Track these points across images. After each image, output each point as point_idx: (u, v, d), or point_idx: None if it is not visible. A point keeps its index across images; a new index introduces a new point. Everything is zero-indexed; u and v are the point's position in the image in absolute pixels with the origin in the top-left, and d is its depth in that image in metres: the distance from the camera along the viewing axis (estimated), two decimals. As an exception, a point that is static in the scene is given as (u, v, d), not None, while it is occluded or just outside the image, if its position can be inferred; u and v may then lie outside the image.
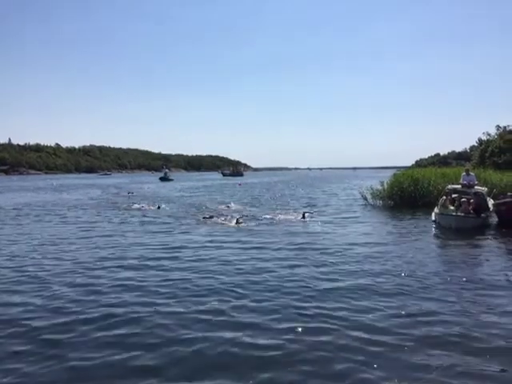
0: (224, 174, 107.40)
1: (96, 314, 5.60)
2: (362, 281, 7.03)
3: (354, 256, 8.96)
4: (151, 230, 13.37)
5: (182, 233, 12.64)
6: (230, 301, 6.09)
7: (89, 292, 6.61)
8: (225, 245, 10.47)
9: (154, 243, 10.87)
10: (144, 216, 17.11)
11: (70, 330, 5.12)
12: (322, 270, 7.81)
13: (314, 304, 5.89)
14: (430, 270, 7.74)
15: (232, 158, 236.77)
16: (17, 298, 6.41)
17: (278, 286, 6.76)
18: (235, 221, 14.14)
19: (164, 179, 73.38)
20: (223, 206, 20.96)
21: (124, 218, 16.70)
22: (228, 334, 4.92)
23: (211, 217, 15.59)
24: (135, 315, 5.56)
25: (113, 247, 10.35)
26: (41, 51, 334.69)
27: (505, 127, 41.73)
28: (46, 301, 6.26)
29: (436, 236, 12.43)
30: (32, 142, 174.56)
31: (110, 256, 9.30)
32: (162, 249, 10.08)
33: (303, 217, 15.20)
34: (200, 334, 4.93)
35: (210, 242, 10.92)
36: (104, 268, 8.19)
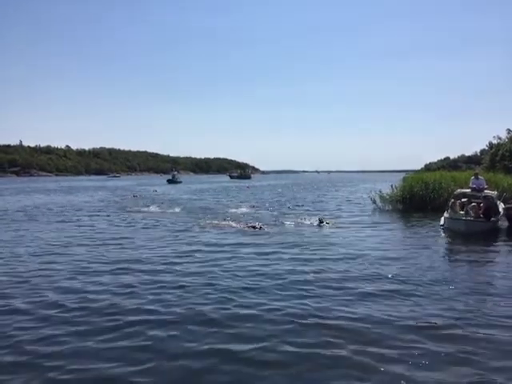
0: (232, 177, 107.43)
1: (86, 327, 5.41)
2: (377, 305, 6.23)
3: (365, 269, 8.32)
4: (158, 234, 13.07)
5: (189, 237, 12.25)
6: (237, 325, 5.49)
7: (80, 304, 6.29)
8: (233, 252, 10.00)
9: (162, 248, 10.63)
10: (150, 219, 16.95)
11: (55, 342, 4.97)
12: (336, 285, 7.21)
13: (326, 325, 5.42)
14: (446, 285, 7.23)
15: (240, 160, 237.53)
16: (6, 303, 6.33)
17: (288, 306, 6.13)
18: (245, 226, 13.99)
19: (172, 181, 73.61)
20: (231, 210, 20.93)
21: (130, 221, 16.62)
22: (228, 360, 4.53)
23: (216, 220, 15.53)
24: (128, 326, 5.37)
25: (116, 252, 10.14)
26: (53, 55, 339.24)
27: (516, 131, 41.29)
28: (34, 308, 6.11)
29: (446, 241, 12.21)
30: (43, 144, 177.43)
31: (111, 262, 8.93)
32: (169, 255, 9.70)
33: (320, 222, 14.69)
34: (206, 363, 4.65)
35: (218, 249, 10.45)
36: (103, 278, 7.73)
